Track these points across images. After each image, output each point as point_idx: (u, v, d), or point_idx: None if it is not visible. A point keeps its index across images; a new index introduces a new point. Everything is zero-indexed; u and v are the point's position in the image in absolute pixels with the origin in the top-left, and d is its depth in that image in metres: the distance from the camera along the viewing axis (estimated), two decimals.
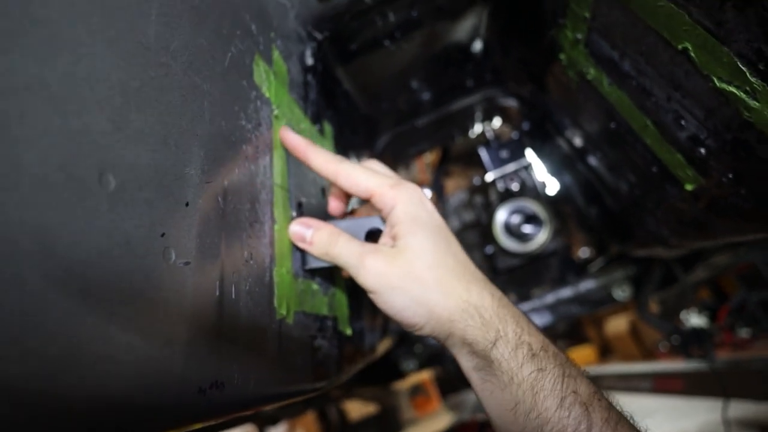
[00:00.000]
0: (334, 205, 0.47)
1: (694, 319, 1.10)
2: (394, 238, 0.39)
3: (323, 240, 0.39)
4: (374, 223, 0.42)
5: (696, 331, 1.05)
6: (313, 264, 0.41)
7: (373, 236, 0.42)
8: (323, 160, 0.40)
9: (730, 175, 0.38)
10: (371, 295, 0.38)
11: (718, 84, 0.34)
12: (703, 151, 0.40)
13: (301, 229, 0.39)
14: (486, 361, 0.35)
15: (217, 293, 0.28)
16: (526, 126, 0.86)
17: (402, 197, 0.39)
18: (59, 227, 0.17)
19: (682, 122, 0.40)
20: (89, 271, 0.19)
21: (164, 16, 0.26)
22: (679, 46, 0.36)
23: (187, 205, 0.26)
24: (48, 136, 0.17)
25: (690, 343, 1.10)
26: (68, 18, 0.19)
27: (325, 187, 0.50)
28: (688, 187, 0.44)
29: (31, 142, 0.17)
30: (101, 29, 0.21)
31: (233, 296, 0.29)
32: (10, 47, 0.16)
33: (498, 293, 0.38)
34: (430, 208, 0.41)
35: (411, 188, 0.41)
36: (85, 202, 0.19)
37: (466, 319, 0.36)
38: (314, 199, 0.46)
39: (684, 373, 1.11)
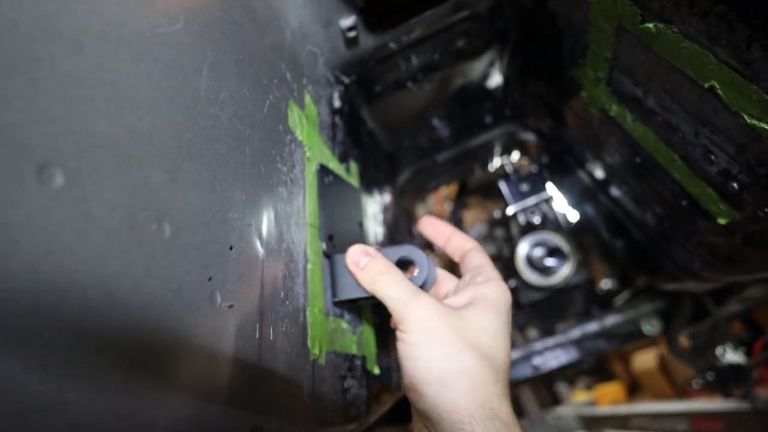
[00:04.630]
0: (392, 322, 0.48)
1: (731, 355, 1.05)
2: (463, 298, 0.39)
3: (376, 269, 0.38)
4: (411, 253, 0.42)
5: (733, 368, 1.00)
6: (343, 295, 0.40)
7: (403, 266, 0.42)
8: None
9: (767, 209, 0.38)
10: (405, 344, 0.35)
11: (748, 120, 0.34)
12: (735, 185, 0.39)
13: (358, 254, 0.39)
14: None
15: (257, 336, 0.28)
16: (545, 159, 0.87)
17: (498, 279, 0.41)
18: (122, 275, 0.18)
19: (712, 157, 0.40)
20: (145, 317, 0.19)
21: (214, 71, 0.27)
22: (706, 85, 0.36)
23: (231, 248, 0.27)
24: (115, 189, 0.18)
25: (726, 380, 1.04)
26: (134, 78, 0.21)
27: (362, 222, 0.51)
28: (722, 221, 0.43)
29: (101, 196, 0.18)
30: (161, 87, 0.22)
31: (271, 338, 0.29)
32: (84, 110, 0.18)
33: (513, 417, 0.35)
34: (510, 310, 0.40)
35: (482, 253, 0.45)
36: (145, 249, 0.20)
37: (488, 427, 0.32)
38: (349, 233, 0.46)
39: (723, 412, 1.05)
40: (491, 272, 0.42)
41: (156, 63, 0.22)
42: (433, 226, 0.50)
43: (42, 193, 0.15)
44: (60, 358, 0.15)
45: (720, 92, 0.35)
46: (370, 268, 0.39)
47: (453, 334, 0.35)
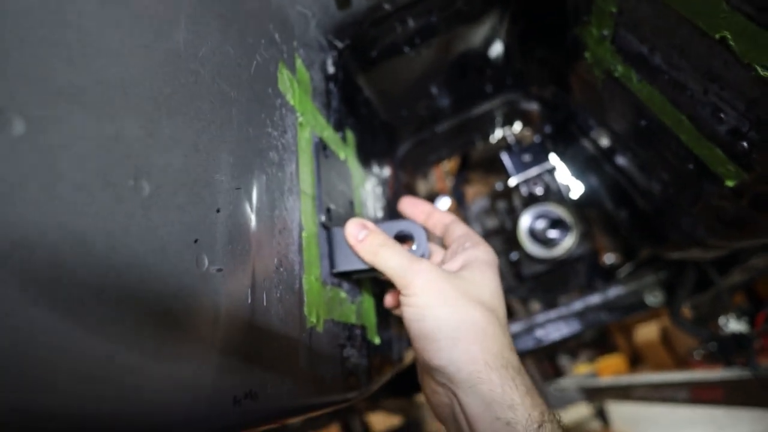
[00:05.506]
0: (389, 299, 0.49)
1: (734, 325, 1.05)
2: (456, 263, 0.41)
3: (375, 242, 0.39)
4: (409, 227, 0.43)
5: (736, 337, 0.99)
6: (342, 267, 0.40)
7: (402, 240, 0.43)
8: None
9: None
10: (412, 307, 0.36)
11: (761, 72, 0.32)
12: (745, 144, 0.38)
13: (356, 228, 0.40)
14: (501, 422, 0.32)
15: (249, 301, 0.27)
16: (548, 129, 0.85)
17: (484, 243, 0.43)
18: (96, 232, 0.17)
19: (721, 115, 0.38)
20: (124, 277, 0.18)
21: (193, 23, 0.26)
22: (717, 36, 0.34)
23: (218, 211, 0.26)
24: (84, 141, 0.17)
25: (729, 350, 1.05)
26: (100, 23, 0.19)
27: (353, 201, 0.50)
28: (729, 183, 0.42)
29: (68, 147, 0.17)
30: (132, 35, 0.21)
31: (264, 304, 0.29)
32: (44, 54, 0.16)
33: (522, 367, 0.36)
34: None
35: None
36: (121, 207, 0.19)
37: (504, 375, 0.33)
38: (342, 209, 0.46)
39: (724, 381, 1.05)
40: (476, 237, 0.44)
41: (125, 8, 0.20)
42: (413, 205, 0.52)
43: (0, 140, 0.14)
44: (30, 315, 0.15)
45: (731, 43, 0.33)
46: (369, 241, 0.39)
47: (458, 292, 0.36)
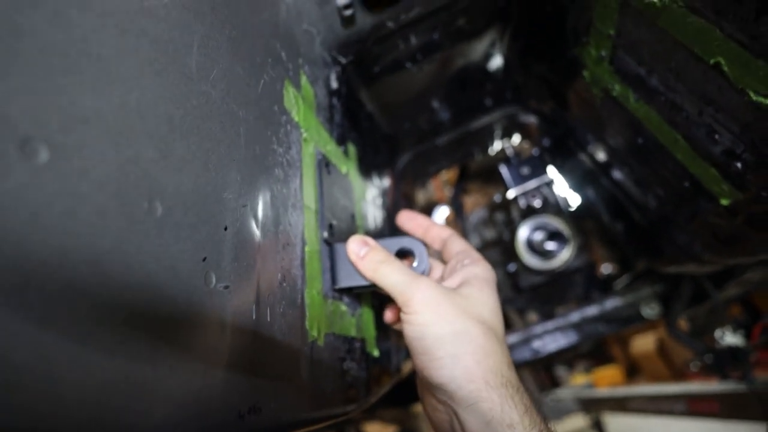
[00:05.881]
0: (389, 315, 0.49)
1: (729, 338, 1.05)
2: (456, 280, 0.41)
3: (376, 258, 0.39)
4: (410, 243, 0.43)
5: (732, 350, 1.00)
6: (344, 283, 0.41)
7: (403, 256, 0.43)
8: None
9: None
10: (413, 325, 0.37)
11: (754, 98, 0.33)
12: (739, 165, 0.39)
13: (358, 245, 0.40)
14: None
15: (254, 317, 0.28)
16: (546, 142, 0.86)
17: (482, 260, 0.44)
18: (112, 254, 0.18)
19: (716, 137, 0.39)
20: (137, 296, 0.19)
21: (205, 47, 0.27)
22: (711, 61, 0.35)
23: (225, 229, 0.26)
24: (103, 166, 0.18)
25: (725, 362, 1.05)
26: (120, 52, 0.20)
27: (354, 214, 0.51)
28: (724, 202, 0.43)
29: (89, 173, 0.17)
30: (149, 62, 0.22)
31: (268, 319, 0.29)
32: (69, 83, 0.17)
33: (521, 385, 0.37)
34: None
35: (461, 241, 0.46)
36: (135, 228, 0.19)
37: (503, 393, 0.33)
38: (344, 224, 0.46)
39: (720, 394, 1.06)
40: (475, 254, 0.45)
41: (144, 36, 0.21)
42: (411, 219, 0.53)
43: (26, 168, 0.15)
44: (50, 336, 0.15)
45: (725, 68, 0.34)
46: (370, 258, 0.40)
47: (458, 309, 0.36)
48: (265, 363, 0.28)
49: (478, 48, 0.65)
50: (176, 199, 0.22)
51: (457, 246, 0.47)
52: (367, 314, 0.49)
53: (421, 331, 0.36)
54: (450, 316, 0.36)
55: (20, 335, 0.14)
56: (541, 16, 0.57)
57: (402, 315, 0.38)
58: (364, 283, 0.40)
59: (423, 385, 0.39)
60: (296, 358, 0.32)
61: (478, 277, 0.41)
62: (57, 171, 0.16)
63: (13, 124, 0.15)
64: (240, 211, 0.28)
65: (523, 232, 0.86)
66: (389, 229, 0.65)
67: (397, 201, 0.75)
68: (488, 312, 0.38)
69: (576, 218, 0.88)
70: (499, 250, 1.00)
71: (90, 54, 0.18)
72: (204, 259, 0.24)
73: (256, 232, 0.30)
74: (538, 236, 0.86)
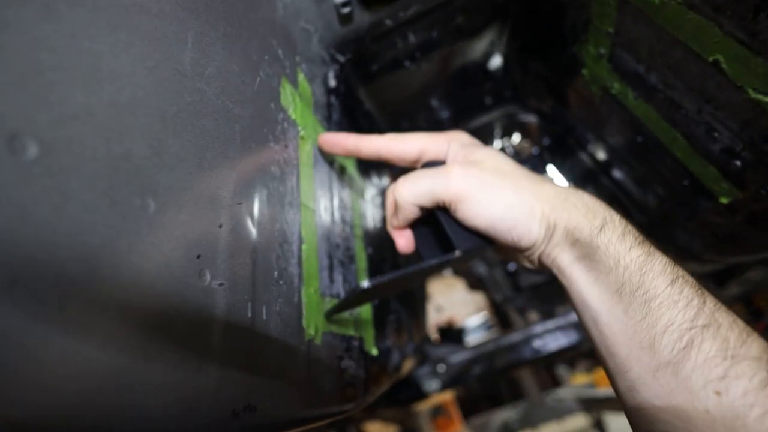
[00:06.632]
0: (402, 243, 0.43)
1: None
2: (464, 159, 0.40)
3: (406, 183, 0.39)
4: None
5: None
6: (463, 246, 0.37)
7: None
8: (370, 142, 0.42)
9: None
10: (464, 205, 0.35)
11: (753, 95, 0.33)
12: (738, 163, 0.38)
13: (388, 195, 0.41)
14: (590, 248, 0.33)
15: (250, 314, 0.28)
16: (546, 141, 0.86)
17: (455, 134, 0.42)
18: (103, 251, 0.18)
19: (715, 134, 0.39)
20: (129, 294, 0.19)
21: (200, 43, 0.27)
22: (710, 59, 0.35)
23: (220, 226, 0.26)
24: (94, 162, 0.18)
25: None
26: (113, 47, 0.20)
27: (353, 212, 0.50)
28: (724, 200, 0.43)
29: (78, 169, 0.17)
30: (142, 58, 0.22)
31: (264, 317, 0.29)
32: (59, 78, 0.17)
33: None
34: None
35: (459, 131, 0.43)
36: (127, 225, 0.19)
37: (568, 205, 0.34)
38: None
39: None
40: (440, 136, 0.42)
41: (136, 32, 0.21)
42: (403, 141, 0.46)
43: (14, 164, 0.15)
44: (40, 333, 0.15)
45: (724, 66, 0.34)
46: (400, 186, 0.39)
47: (494, 174, 0.36)
48: (261, 361, 0.28)
49: (477, 46, 0.65)
50: (169, 197, 0.22)
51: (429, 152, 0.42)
52: (365, 313, 0.49)
53: (474, 209, 0.36)
54: (496, 180, 0.36)
55: (8, 332, 0.14)
56: (540, 13, 0.57)
57: (450, 208, 0.37)
58: (479, 243, 0.37)
59: (522, 263, 0.40)
60: (293, 356, 0.32)
61: (465, 146, 0.40)
62: (46, 167, 0.16)
63: (1, 119, 0.15)
64: (235, 208, 0.28)
65: None
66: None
67: None
68: (504, 162, 0.38)
69: None
70: None
71: (80, 49, 0.18)
72: (198, 257, 0.24)
73: (252, 229, 0.30)
74: None
